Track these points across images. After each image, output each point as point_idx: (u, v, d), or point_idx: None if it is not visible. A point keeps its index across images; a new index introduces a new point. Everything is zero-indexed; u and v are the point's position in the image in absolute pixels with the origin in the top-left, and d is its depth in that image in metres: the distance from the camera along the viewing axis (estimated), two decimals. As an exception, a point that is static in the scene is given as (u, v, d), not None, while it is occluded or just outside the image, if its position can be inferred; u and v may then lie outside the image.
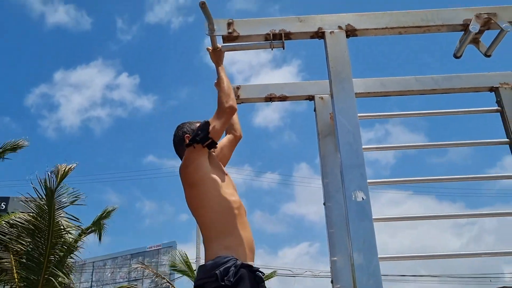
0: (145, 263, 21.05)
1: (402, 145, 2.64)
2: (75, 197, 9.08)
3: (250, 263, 2.12)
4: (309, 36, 2.21)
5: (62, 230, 8.80)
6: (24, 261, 8.61)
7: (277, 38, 2.21)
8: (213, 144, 2.23)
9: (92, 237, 10.55)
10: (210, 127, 2.19)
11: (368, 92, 2.67)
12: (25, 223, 8.58)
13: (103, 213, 10.71)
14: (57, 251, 8.81)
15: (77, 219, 9.30)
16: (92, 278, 25.14)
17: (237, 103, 2.72)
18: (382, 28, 2.18)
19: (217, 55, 2.38)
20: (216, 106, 2.29)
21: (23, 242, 8.61)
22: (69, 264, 9.38)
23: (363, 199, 1.84)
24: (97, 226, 10.52)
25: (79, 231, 9.80)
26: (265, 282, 2.15)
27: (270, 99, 2.74)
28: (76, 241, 9.51)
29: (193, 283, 2.17)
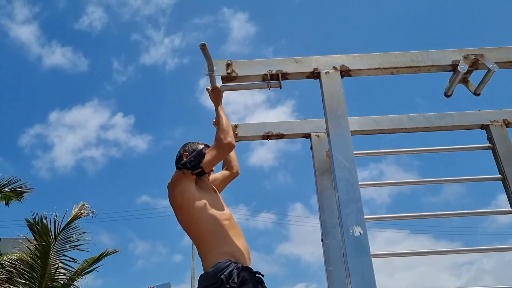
0: (138, 307, 20.46)
1: (397, 182, 2.69)
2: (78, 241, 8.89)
3: (249, 266, 2.18)
4: (305, 76, 2.29)
5: (60, 273, 8.64)
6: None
7: (274, 78, 2.29)
8: (202, 174, 2.33)
9: (82, 280, 10.28)
10: (204, 158, 2.30)
11: (363, 130, 2.74)
12: (18, 264, 8.42)
13: (102, 254, 10.31)
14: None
15: (75, 260, 9.10)
16: (83, 323, 24.36)
17: (235, 141, 2.79)
18: (375, 69, 2.26)
19: (216, 94, 2.46)
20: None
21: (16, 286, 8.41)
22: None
23: (360, 233, 1.86)
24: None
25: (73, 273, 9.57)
26: None
27: (267, 137, 2.80)
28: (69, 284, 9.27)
29: None
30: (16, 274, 8.36)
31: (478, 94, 2.30)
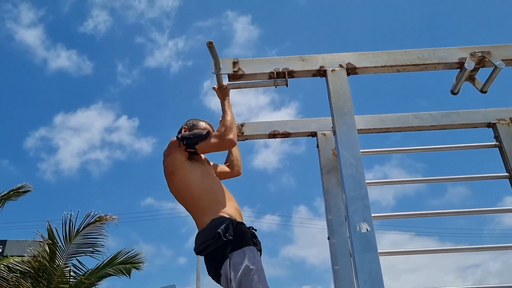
0: (143, 309, 20.48)
1: (402, 180, 2.69)
2: (93, 248, 8.88)
3: (242, 222, 2.29)
4: (311, 74, 2.30)
5: (70, 277, 8.67)
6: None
7: (280, 76, 2.30)
8: (194, 154, 2.39)
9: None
10: (202, 141, 2.35)
11: (369, 128, 2.74)
12: (27, 267, 8.45)
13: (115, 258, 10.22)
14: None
15: (84, 265, 9.12)
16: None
17: (242, 140, 2.81)
18: (381, 66, 2.27)
19: (223, 93, 2.49)
20: None
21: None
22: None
23: (367, 230, 1.86)
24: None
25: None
26: None
27: (273, 135, 2.81)
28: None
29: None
30: (23, 276, 8.40)
31: (485, 92, 2.30)
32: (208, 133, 2.39)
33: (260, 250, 2.28)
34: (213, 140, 2.36)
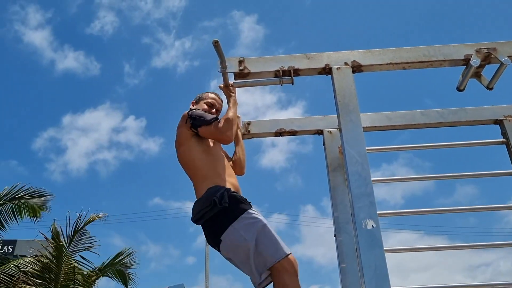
0: (152, 308, 20.58)
1: (409, 177, 2.69)
2: (91, 243, 9.11)
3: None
4: (317, 72, 2.30)
5: (76, 274, 8.79)
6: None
7: (286, 75, 2.30)
8: (196, 134, 2.49)
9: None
10: (204, 126, 2.43)
11: (375, 126, 2.74)
12: (36, 267, 8.57)
13: (118, 256, 10.25)
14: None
15: (91, 262, 9.26)
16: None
17: (248, 138, 2.83)
18: (387, 64, 2.27)
19: (229, 91, 2.51)
20: None
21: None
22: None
23: (373, 227, 1.86)
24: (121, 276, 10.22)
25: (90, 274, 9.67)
26: None
27: (280, 133, 2.82)
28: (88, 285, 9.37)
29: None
30: (32, 275, 8.50)
31: (491, 89, 2.29)
32: (212, 120, 2.45)
33: None
34: (213, 129, 2.42)
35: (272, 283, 2.15)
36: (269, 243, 2.13)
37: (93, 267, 9.37)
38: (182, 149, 2.51)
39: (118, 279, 10.28)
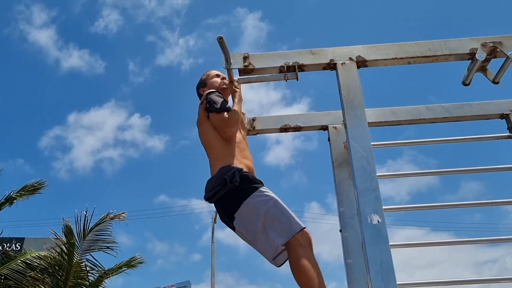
0: (159, 304, 20.69)
1: (414, 172, 2.68)
2: (107, 246, 9.11)
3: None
4: (321, 67, 2.30)
5: (86, 272, 8.83)
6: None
7: (291, 70, 2.30)
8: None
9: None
10: (214, 113, 2.45)
11: (380, 121, 2.74)
12: (44, 263, 8.62)
13: (130, 261, 10.14)
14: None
15: (100, 264, 9.26)
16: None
17: (253, 134, 2.84)
18: (392, 59, 2.26)
19: (234, 87, 2.52)
20: None
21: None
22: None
23: (378, 222, 1.86)
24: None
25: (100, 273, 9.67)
26: None
27: (285, 129, 2.82)
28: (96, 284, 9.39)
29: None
30: (42, 271, 8.56)
31: (497, 83, 2.28)
32: (221, 110, 2.46)
33: None
34: (219, 119, 2.44)
35: (286, 260, 2.17)
36: (283, 218, 2.15)
37: (101, 268, 9.34)
38: (201, 128, 2.55)
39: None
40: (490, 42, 2.19)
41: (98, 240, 9.10)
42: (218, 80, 2.71)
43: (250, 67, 2.30)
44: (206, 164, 2.50)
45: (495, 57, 2.23)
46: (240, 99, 2.53)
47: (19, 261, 8.90)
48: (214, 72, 2.80)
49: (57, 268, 8.58)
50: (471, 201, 2.55)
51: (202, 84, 2.76)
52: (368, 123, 2.11)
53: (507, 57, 2.15)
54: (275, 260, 2.18)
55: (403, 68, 2.34)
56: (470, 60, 2.25)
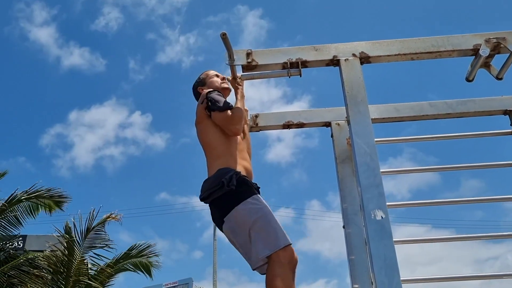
0: (161, 301, 20.74)
1: (417, 168, 2.68)
2: (106, 244, 9.28)
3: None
4: (324, 63, 2.30)
5: (88, 269, 8.93)
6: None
7: (294, 67, 2.29)
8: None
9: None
10: (216, 112, 2.40)
11: (383, 118, 2.73)
12: (47, 261, 8.69)
13: (130, 251, 10.28)
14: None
15: (106, 258, 9.39)
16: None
17: (256, 131, 2.84)
18: (395, 55, 2.25)
19: (236, 83, 2.52)
20: None
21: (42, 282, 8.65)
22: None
23: (382, 217, 1.86)
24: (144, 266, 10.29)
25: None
26: None
27: (288, 126, 2.82)
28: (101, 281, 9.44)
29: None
30: (44, 269, 8.63)
31: (501, 79, 2.27)
32: (224, 108, 2.41)
33: None
34: (224, 117, 2.39)
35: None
36: (269, 231, 2.12)
37: (105, 261, 9.47)
38: (199, 127, 2.53)
39: (141, 271, 10.38)
40: (493, 38, 2.18)
41: (97, 238, 9.29)
42: (218, 79, 2.69)
43: (253, 63, 2.29)
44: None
45: (498, 53, 2.22)
46: (243, 96, 2.53)
47: (22, 260, 8.96)
48: (213, 72, 2.76)
49: (59, 265, 8.64)
50: (474, 197, 2.55)
51: (201, 83, 2.72)
52: (371, 119, 2.10)
53: (511, 53, 2.15)
54: (259, 269, 2.15)
55: (407, 63, 2.34)
56: (474, 56, 2.25)
